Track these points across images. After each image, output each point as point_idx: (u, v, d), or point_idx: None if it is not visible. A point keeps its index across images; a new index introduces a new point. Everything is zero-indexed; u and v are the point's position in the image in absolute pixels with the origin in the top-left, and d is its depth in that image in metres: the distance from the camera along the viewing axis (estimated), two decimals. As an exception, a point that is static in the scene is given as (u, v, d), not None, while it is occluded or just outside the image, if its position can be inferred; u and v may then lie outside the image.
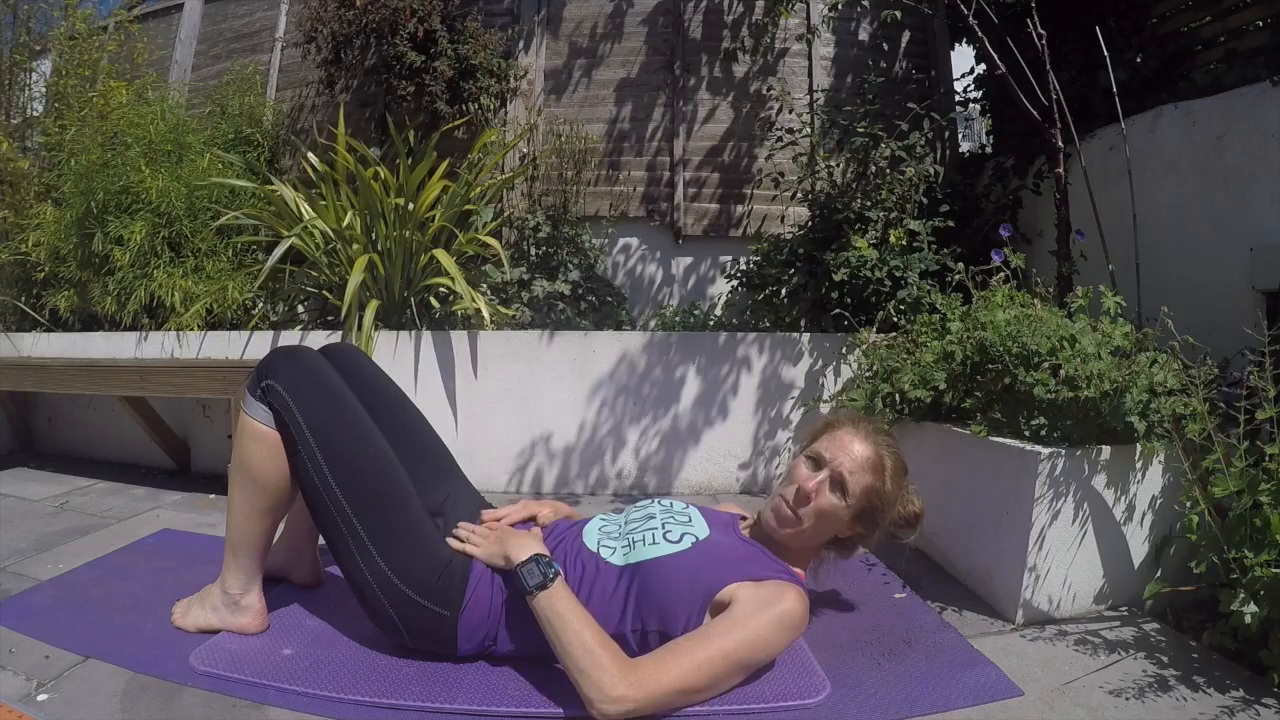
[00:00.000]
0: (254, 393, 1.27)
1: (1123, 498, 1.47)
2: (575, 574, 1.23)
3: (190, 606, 1.38)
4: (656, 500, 1.40)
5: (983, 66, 3.24)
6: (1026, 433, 1.51)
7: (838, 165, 2.82)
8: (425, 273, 2.66)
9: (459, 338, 2.49)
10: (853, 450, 1.26)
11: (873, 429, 1.32)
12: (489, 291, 2.84)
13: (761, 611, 1.11)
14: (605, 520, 1.37)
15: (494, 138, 3.18)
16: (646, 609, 1.17)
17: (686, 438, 2.48)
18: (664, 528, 1.25)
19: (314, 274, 2.79)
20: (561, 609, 1.11)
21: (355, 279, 2.36)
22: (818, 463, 1.28)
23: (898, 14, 2.72)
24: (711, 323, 2.97)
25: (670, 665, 1.06)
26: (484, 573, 1.24)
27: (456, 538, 1.28)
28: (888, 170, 2.67)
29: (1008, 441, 1.51)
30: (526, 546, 1.21)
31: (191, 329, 2.65)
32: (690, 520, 1.29)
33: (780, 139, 3.01)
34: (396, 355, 2.47)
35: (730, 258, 3.36)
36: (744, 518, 1.41)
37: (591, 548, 1.27)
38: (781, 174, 3.00)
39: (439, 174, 2.85)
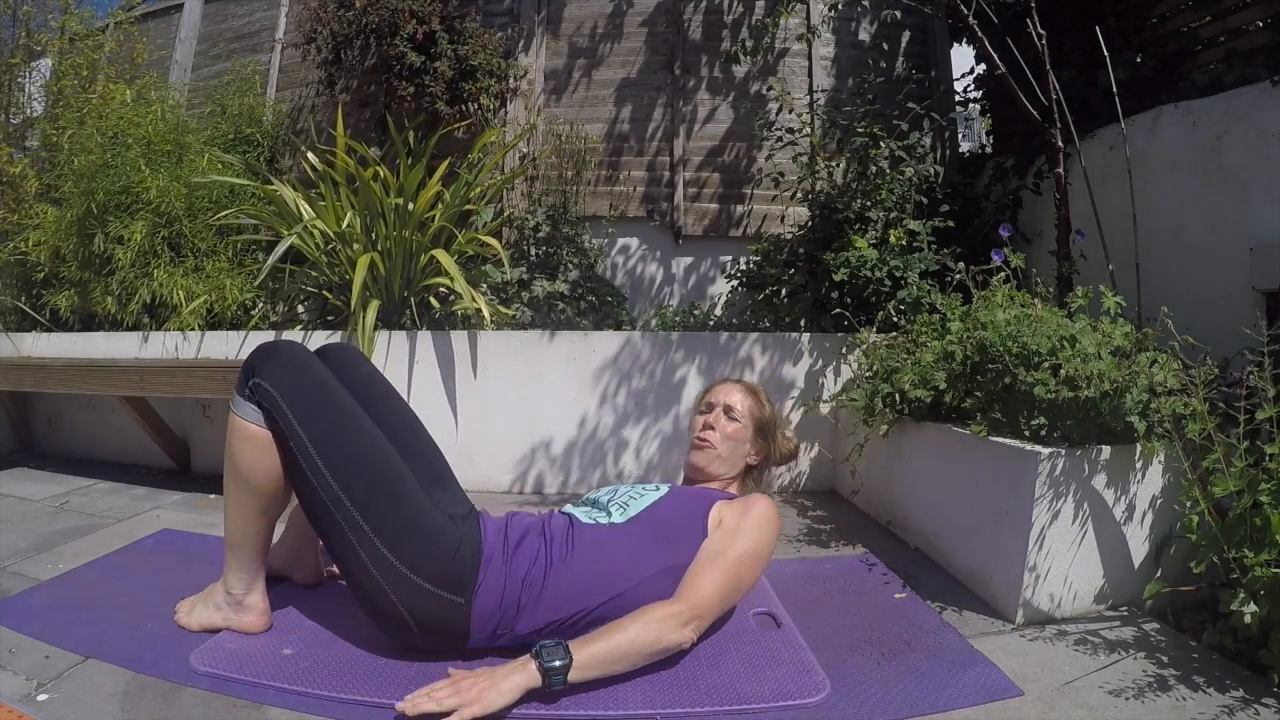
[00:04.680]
0: (242, 392, 1.25)
1: (1123, 498, 1.47)
2: (568, 549, 1.27)
3: (194, 605, 1.38)
4: (612, 487, 1.55)
5: (983, 66, 3.23)
6: (1026, 433, 1.51)
7: (837, 165, 2.82)
8: (425, 273, 2.66)
9: (459, 338, 2.49)
10: (726, 387, 1.67)
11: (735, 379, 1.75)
12: (489, 291, 2.84)
13: (746, 515, 1.34)
14: (580, 506, 1.47)
15: (494, 138, 3.18)
16: (656, 549, 1.29)
17: (686, 437, 2.47)
18: (641, 487, 1.47)
19: (314, 274, 2.79)
20: (599, 652, 1.12)
21: (359, 279, 2.36)
22: (708, 408, 1.62)
23: (898, 14, 2.72)
24: (711, 323, 2.97)
25: (704, 579, 1.23)
26: (494, 556, 1.23)
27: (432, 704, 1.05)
28: (888, 170, 2.67)
29: (1008, 441, 1.51)
30: (514, 673, 1.08)
31: (191, 328, 2.65)
32: (652, 486, 1.49)
33: (780, 139, 3.01)
34: (396, 355, 2.47)
35: (730, 258, 3.36)
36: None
37: (588, 521, 1.36)
38: (781, 174, 3.00)
39: (439, 174, 2.85)
